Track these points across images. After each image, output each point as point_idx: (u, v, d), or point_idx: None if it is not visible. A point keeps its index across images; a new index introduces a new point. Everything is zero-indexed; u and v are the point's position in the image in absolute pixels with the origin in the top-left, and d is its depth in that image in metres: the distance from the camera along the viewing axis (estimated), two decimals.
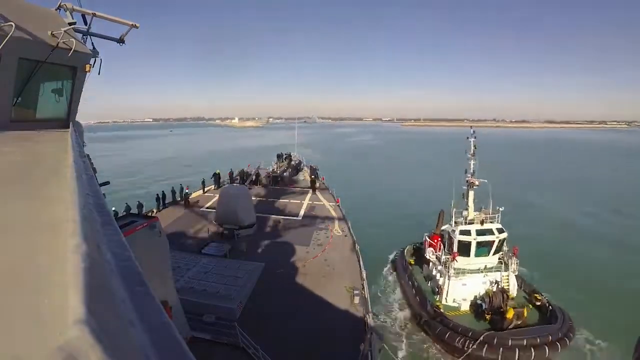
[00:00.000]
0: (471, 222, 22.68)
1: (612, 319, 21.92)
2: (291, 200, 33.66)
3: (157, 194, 31.21)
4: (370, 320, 15.53)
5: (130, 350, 0.89)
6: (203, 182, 37.39)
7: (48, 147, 5.39)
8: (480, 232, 21.90)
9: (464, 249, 22.01)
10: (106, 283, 1.10)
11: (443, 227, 24.70)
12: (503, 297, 19.86)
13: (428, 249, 24.96)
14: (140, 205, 27.11)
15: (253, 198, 29.43)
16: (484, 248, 21.93)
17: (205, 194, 35.78)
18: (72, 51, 6.88)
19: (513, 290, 21.74)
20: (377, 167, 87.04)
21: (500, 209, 22.78)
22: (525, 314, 19.39)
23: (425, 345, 20.82)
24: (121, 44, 9.41)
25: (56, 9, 7.66)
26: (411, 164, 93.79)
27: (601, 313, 22.63)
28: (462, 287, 21.57)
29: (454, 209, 23.52)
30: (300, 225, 26.97)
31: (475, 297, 21.11)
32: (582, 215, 46.05)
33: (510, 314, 18.88)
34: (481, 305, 20.25)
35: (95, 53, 8.40)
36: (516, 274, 22.28)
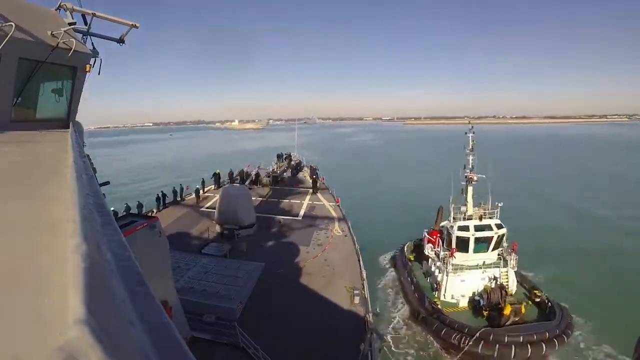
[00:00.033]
0: (470, 218, 22.56)
1: (613, 318, 21.87)
2: (291, 200, 33.66)
3: (157, 194, 31.25)
4: (370, 320, 15.54)
5: (130, 350, 0.88)
6: (203, 182, 37.37)
7: (48, 147, 5.39)
8: (478, 228, 21.79)
9: (463, 245, 21.92)
10: (106, 283, 1.10)
11: (442, 223, 24.66)
12: (501, 294, 19.78)
13: (427, 245, 24.96)
14: (140, 205, 27.13)
15: (253, 198, 29.44)
16: (482, 244, 21.84)
17: (205, 194, 35.80)
18: (72, 51, 6.89)
19: (512, 286, 21.65)
20: (377, 167, 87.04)
21: (499, 205, 22.64)
22: (523, 310, 19.32)
23: (424, 343, 20.80)
24: (121, 44, 9.41)
25: (56, 9, 7.67)
26: (411, 163, 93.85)
27: (602, 311, 22.59)
28: (461, 284, 21.50)
29: (452, 205, 23.42)
30: (301, 225, 26.96)
31: (474, 293, 21.04)
32: (582, 212, 45.89)
33: (507, 310, 18.81)
34: (479, 301, 20.19)
35: (95, 53, 8.40)
36: (515, 270, 22.12)
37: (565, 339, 18.07)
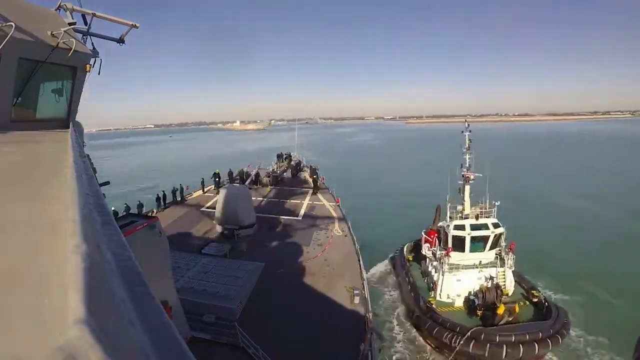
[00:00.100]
0: (466, 217, 22.43)
1: (613, 318, 21.85)
2: (291, 200, 33.64)
3: (157, 194, 31.23)
4: (370, 319, 15.53)
5: (130, 350, 0.89)
6: (202, 182, 37.37)
7: (48, 147, 5.39)
8: (474, 227, 21.62)
9: (459, 244, 21.75)
10: (106, 283, 1.10)
11: (440, 223, 24.58)
12: (497, 293, 19.62)
13: (424, 244, 24.89)
14: (140, 205, 27.12)
15: (253, 198, 29.44)
16: (479, 243, 21.66)
17: (205, 194, 35.78)
18: (72, 51, 6.89)
19: (510, 286, 21.53)
20: (377, 167, 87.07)
21: (496, 204, 22.48)
22: (517, 309, 19.20)
23: (419, 343, 20.81)
24: (121, 44, 9.42)
25: (56, 9, 7.67)
26: (411, 162, 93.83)
27: (601, 311, 22.58)
28: (457, 283, 21.36)
29: (449, 204, 23.32)
30: (301, 225, 26.96)
31: (469, 293, 20.93)
32: (584, 210, 45.76)
33: (501, 310, 18.71)
34: (474, 301, 20.07)
35: (95, 53, 8.41)
36: (513, 269, 21.94)
37: (560, 339, 17.74)
